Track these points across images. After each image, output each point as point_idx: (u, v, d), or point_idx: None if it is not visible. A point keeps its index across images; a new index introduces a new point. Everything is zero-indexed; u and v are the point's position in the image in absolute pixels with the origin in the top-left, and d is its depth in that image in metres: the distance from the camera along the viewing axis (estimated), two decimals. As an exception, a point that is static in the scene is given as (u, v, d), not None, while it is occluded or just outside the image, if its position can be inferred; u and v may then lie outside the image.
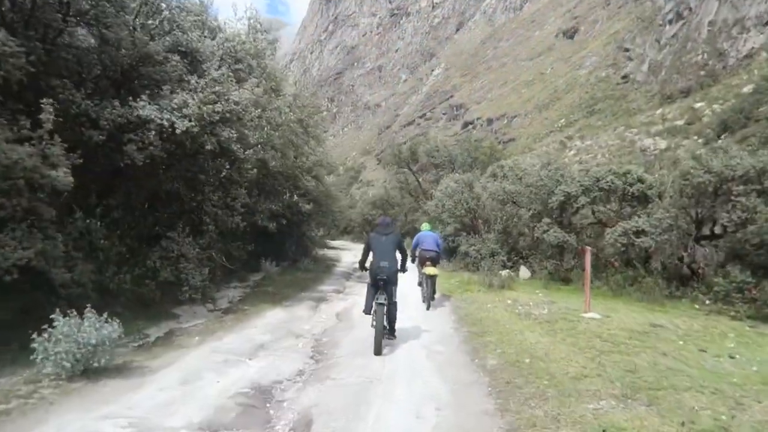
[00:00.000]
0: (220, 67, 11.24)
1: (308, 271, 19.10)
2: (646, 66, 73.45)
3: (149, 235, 11.06)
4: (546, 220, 17.19)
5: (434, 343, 9.25)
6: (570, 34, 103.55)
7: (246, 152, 11.57)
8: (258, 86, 13.85)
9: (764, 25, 50.58)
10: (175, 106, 9.64)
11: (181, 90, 9.97)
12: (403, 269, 9.86)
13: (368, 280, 9.43)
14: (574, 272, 16.65)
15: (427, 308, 12.86)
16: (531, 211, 18.50)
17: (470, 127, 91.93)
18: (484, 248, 19.82)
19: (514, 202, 19.38)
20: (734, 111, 38.30)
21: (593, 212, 16.96)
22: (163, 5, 11.03)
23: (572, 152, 56.89)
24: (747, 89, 41.58)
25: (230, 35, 13.19)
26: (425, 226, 14.96)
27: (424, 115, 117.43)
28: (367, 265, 9.58)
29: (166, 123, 9.44)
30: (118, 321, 6.91)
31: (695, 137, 41.50)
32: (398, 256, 9.47)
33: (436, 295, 13.81)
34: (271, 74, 14.76)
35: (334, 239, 63.41)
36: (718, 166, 14.19)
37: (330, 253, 30.39)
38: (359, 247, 32.90)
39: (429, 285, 13.23)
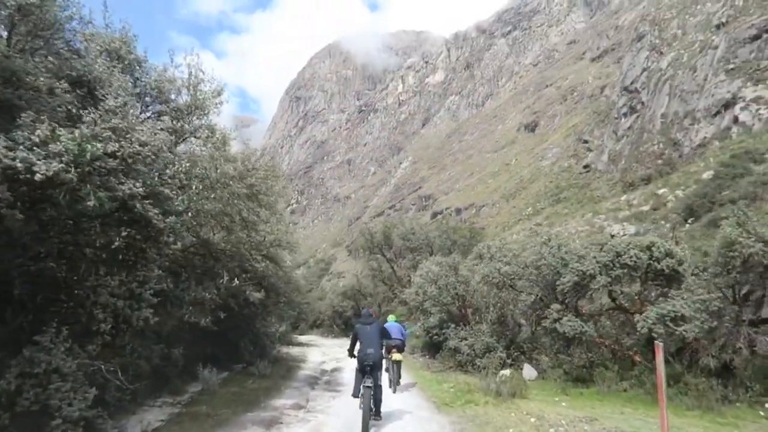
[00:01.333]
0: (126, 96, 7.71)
1: (263, 378, 14.80)
2: (606, 156, 73.62)
3: (5, 341, 7.12)
4: (555, 306, 13.59)
5: None
6: (531, 127, 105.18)
7: (168, 219, 7.93)
8: (205, 145, 10.48)
9: (713, 116, 51.59)
10: (37, 140, 6.05)
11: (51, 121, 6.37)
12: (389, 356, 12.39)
13: (356, 365, 9.95)
14: (598, 371, 12.89)
15: (394, 392, 13.46)
16: (533, 296, 14.96)
17: (439, 216, 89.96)
18: (477, 343, 15.99)
19: (512, 287, 15.80)
20: (698, 196, 37.81)
21: (611, 295, 13.45)
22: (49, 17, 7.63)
23: (542, 239, 54.87)
24: (707, 175, 41.45)
25: (155, 69, 9.84)
26: (391, 318, 16.34)
27: (394, 206, 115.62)
28: (355, 352, 10.17)
29: (19, 165, 5.83)
30: None
31: (662, 222, 40.73)
32: (382, 342, 10.22)
33: (402, 381, 14.70)
34: (215, 130, 11.36)
35: (302, 334, 59.03)
36: (771, 234, 11.03)
37: (295, 351, 26.13)
38: (330, 343, 28.99)
39: (395, 370, 14.26)
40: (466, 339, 16.32)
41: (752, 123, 46.55)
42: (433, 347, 20.53)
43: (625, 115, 72.15)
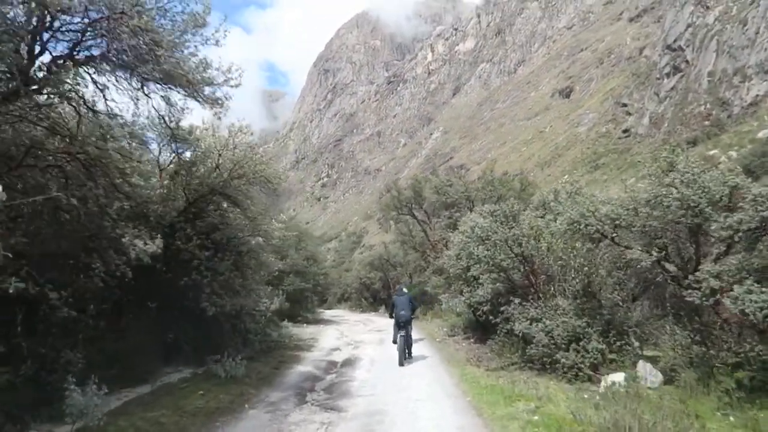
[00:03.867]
0: None
1: (229, 383, 8.99)
2: (647, 119, 68.22)
3: None
4: (724, 266, 7.43)
5: None
6: (566, 93, 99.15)
7: None
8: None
9: (766, 72, 47.85)
10: None
11: None
12: (415, 316, 15.62)
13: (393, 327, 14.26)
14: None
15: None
16: (653, 254, 8.84)
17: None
18: (559, 327, 9.94)
19: (613, 239, 9.65)
20: (755, 156, 35.41)
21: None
22: None
23: (663, 164, 51.54)
24: (763, 134, 38.98)
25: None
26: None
27: (425, 177, 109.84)
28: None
29: None
30: None
31: (714, 186, 36.96)
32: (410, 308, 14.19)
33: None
34: None
35: (330, 308, 54.35)
36: None
37: (307, 331, 20.59)
38: (354, 319, 21.96)
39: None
40: (539, 320, 10.24)
41: (811, 77, 42.28)
42: (481, 328, 14.66)
43: (667, 75, 66.42)
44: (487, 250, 12.23)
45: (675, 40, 69.45)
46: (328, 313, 41.04)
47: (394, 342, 13.81)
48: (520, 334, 10.70)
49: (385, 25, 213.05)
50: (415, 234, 34.91)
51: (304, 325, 24.05)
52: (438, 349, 14.83)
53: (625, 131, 72.00)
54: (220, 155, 9.09)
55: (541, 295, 11.25)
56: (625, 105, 77.80)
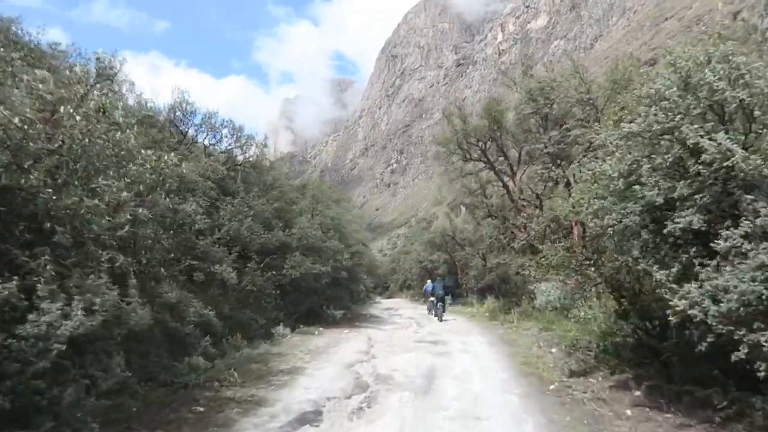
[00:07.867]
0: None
1: None
2: None
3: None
4: None
5: None
6: (650, 64, 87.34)
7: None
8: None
9: None
10: None
11: None
12: (447, 294, 23.66)
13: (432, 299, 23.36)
14: None
15: (440, 320, 20.93)
16: None
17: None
18: None
19: None
20: None
21: None
22: None
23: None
24: None
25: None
26: (429, 281, 26.01)
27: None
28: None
29: None
30: None
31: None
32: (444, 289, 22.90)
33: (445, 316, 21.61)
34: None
35: (392, 296, 48.35)
36: None
37: (312, 345, 12.65)
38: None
39: (439, 307, 21.86)
40: None
41: None
42: (659, 365, 6.51)
43: (773, 36, 54.95)
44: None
45: (780, -2, 57.69)
46: (382, 305, 33.68)
47: (433, 314, 22.57)
48: None
49: (453, 6, 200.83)
50: (491, 193, 23.79)
51: (318, 330, 16.61)
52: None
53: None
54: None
55: None
56: (721, 72, 66.49)
